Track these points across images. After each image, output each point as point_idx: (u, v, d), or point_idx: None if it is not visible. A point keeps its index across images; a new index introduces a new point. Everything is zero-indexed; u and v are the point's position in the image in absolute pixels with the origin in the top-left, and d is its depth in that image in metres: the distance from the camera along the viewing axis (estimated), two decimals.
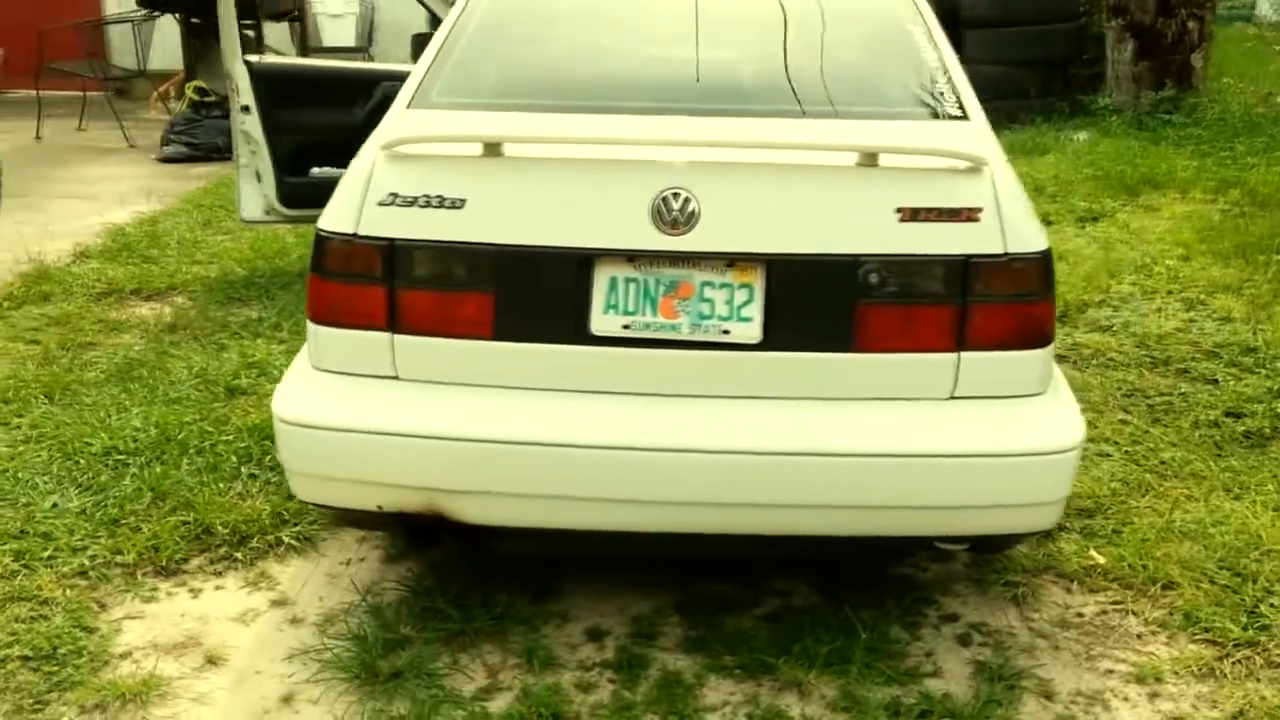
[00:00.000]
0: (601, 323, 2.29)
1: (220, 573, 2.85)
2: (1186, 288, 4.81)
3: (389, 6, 10.98)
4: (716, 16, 2.88)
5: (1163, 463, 3.34)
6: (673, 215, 2.24)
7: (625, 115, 2.50)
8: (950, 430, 2.28)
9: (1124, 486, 3.20)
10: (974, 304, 2.25)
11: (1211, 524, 2.97)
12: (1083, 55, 9.38)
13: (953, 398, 2.30)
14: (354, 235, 2.32)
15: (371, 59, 10.57)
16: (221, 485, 3.19)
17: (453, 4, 3.03)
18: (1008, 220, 2.25)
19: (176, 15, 9.05)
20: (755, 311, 2.27)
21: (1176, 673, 2.44)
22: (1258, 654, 2.47)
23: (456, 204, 2.29)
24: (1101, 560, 2.83)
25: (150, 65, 10.06)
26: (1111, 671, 2.45)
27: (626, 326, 2.29)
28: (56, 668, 2.46)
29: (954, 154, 2.30)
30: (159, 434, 3.47)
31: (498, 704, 2.35)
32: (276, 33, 10.07)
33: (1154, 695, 2.38)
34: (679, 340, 2.29)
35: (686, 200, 2.23)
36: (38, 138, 9.24)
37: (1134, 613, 2.65)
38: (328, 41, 10.91)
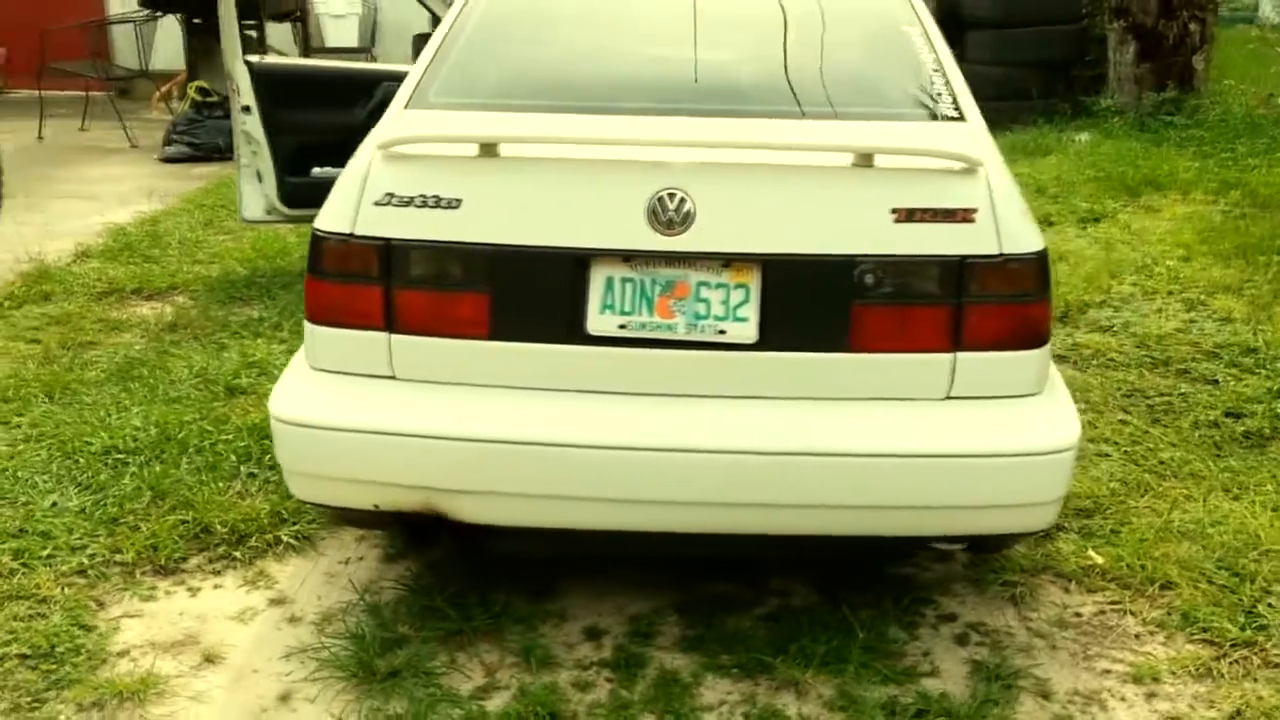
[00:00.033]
0: (598, 323, 2.29)
1: (219, 571, 2.85)
2: (1187, 288, 4.81)
3: (391, 7, 10.99)
4: (713, 17, 2.88)
5: (1162, 463, 3.34)
6: (668, 215, 2.24)
7: (621, 116, 2.50)
8: (946, 430, 2.28)
9: (1123, 486, 3.20)
10: (969, 304, 2.25)
11: (1210, 524, 2.97)
12: (1085, 57, 9.39)
13: (949, 398, 2.31)
14: (350, 235, 2.33)
15: (374, 59, 10.59)
16: (221, 484, 3.20)
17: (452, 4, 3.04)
18: (1003, 221, 2.25)
19: (178, 16, 9.06)
20: (751, 312, 2.27)
21: (1174, 673, 2.44)
22: (1255, 654, 2.47)
23: (452, 204, 2.29)
24: (1100, 560, 2.83)
25: (153, 65, 10.07)
26: (1109, 671, 2.46)
27: (623, 326, 2.29)
28: (54, 666, 2.46)
29: (949, 155, 2.30)
30: (159, 433, 3.48)
31: (495, 703, 2.36)
32: (279, 34, 10.09)
33: (1151, 695, 2.38)
34: (675, 340, 2.29)
35: (682, 200, 2.24)
36: (40, 137, 9.26)
37: (1132, 613, 2.65)
38: (330, 42, 10.93)
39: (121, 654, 2.53)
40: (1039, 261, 2.29)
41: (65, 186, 7.50)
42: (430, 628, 2.58)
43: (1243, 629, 2.53)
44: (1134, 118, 8.42)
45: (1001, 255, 2.25)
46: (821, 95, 2.60)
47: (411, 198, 2.31)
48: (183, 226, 6.22)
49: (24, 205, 6.49)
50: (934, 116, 2.61)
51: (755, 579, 2.76)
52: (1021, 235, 2.28)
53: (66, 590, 2.74)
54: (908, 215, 2.24)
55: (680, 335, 2.29)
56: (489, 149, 2.33)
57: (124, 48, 10.85)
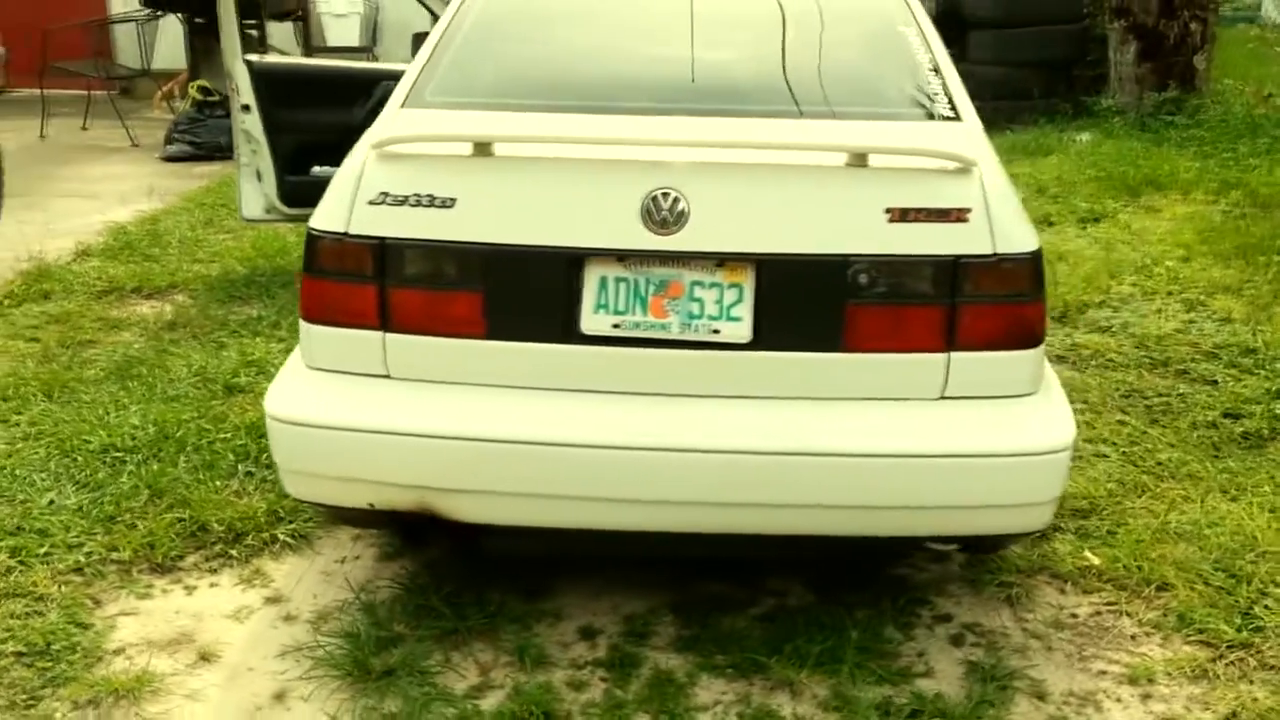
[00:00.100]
0: (592, 322, 2.29)
1: (215, 570, 2.86)
2: (1187, 289, 4.80)
3: (393, 6, 10.98)
4: (709, 17, 2.88)
5: (1160, 464, 3.34)
6: (662, 215, 2.24)
7: (616, 115, 2.50)
8: (940, 430, 2.28)
9: (1120, 487, 3.19)
10: (963, 304, 2.25)
11: (1207, 525, 2.97)
12: (1086, 56, 9.37)
13: (943, 398, 2.30)
14: (345, 234, 2.33)
15: (376, 59, 10.58)
16: (218, 483, 3.20)
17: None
18: (997, 221, 2.24)
19: (180, 15, 9.07)
20: (745, 311, 2.27)
21: (1169, 674, 2.43)
22: (1251, 655, 2.47)
23: (447, 203, 2.29)
24: (1096, 561, 2.83)
25: (155, 65, 10.08)
26: (1104, 672, 2.45)
27: (616, 326, 2.29)
28: (50, 664, 2.47)
29: (943, 154, 2.30)
30: (157, 432, 3.48)
31: (489, 702, 2.36)
32: (281, 33, 10.09)
33: (1146, 696, 2.38)
34: (669, 340, 2.29)
35: (676, 200, 2.24)
36: (42, 136, 9.27)
37: (1128, 614, 2.64)
38: (332, 41, 10.92)
39: (117, 652, 2.53)
40: (1033, 261, 2.29)
41: (66, 185, 7.51)
42: (425, 627, 2.58)
43: (1239, 630, 2.53)
44: (1135, 118, 8.41)
45: (995, 255, 2.25)
46: (816, 95, 2.60)
47: (406, 197, 2.31)
48: (183, 225, 6.23)
49: (25, 204, 6.50)
50: (930, 116, 2.60)
51: (751, 579, 2.76)
52: (1016, 235, 2.28)
53: (63, 588, 2.74)
54: (902, 215, 2.24)
55: (674, 335, 2.29)
56: (483, 148, 2.33)
57: (126, 47, 10.86)
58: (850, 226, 2.27)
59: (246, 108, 4.78)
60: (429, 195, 2.30)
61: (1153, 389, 3.86)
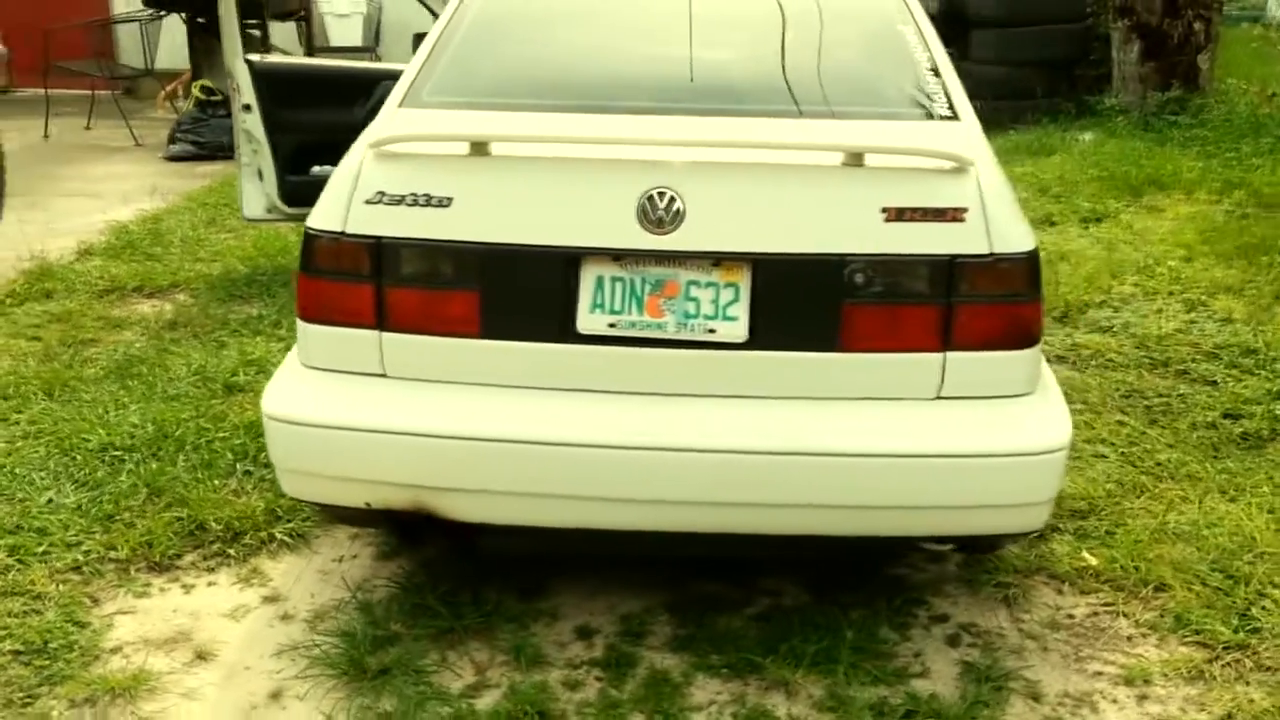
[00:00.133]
0: (588, 321, 2.30)
1: (213, 569, 2.86)
2: (1188, 289, 4.79)
3: (395, 6, 10.98)
4: (707, 17, 2.88)
5: (1159, 464, 3.33)
6: (658, 214, 2.24)
7: (613, 115, 2.50)
8: (937, 430, 2.27)
9: (1119, 488, 3.19)
10: (959, 304, 2.25)
11: (1205, 526, 2.96)
12: (1089, 56, 9.35)
13: (939, 398, 2.30)
14: (341, 233, 2.33)
15: (378, 59, 10.59)
16: (216, 482, 3.21)
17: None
18: (993, 221, 2.24)
19: (182, 15, 9.07)
20: (741, 311, 2.27)
21: (1166, 675, 2.43)
22: (1248, 657, 2.46)
23: (443, 203, 2.29)
24: (1094, 562, 2.82)
25: (158, 65, 10.08)
26: (1100, 673, 2.45)
27: (613, 325, 2.29)
28: (47, 662, 2.48)
29: (939, 154, 2.30)
30: (156, 430, 3.49)
31: (485, 701, 2.36)
32: (283, 33, 10.10)
33: (1142, 697, 2.37)
34: (665, 339, 2.29)
35: (672, 199, 2.24)
36: (46, 136, 9.28)
37: (1125, 614, 2.64)
38: (334, 41, 10.92)
39: (114, 650, 2.54)
40: (1030, 261, 2.28)
41: (69, 185, 7.52)
42: (422, 626, 2.58)
43: (1236, 631, 2.52)
44: (1138, 117, 8.39)
45: (992, 255, 2.25)
46: (814, 94, 2.60)
47: (402, 196, 2.31)
48: (185, 224, 6.23)
49: (28, 203, 6.51)
50: (927, 116, 2.60)
51: (747, 579, 2.76)
52: (1012, 235, 2.27)
53: (61, 586, 2.75)
54: (898, 214, 2.24)
55: (670, 334, 2.29)
56: (480, 148, 2.33)
57: (129, 47, 10.87)
58: (846, 226, 2.27)
59: (247, 107, 4.78)
60: (425, 195, 2.30)
61: (1153, 389, 3.86)
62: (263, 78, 4.79)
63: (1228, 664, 2.44)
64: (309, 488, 2.46)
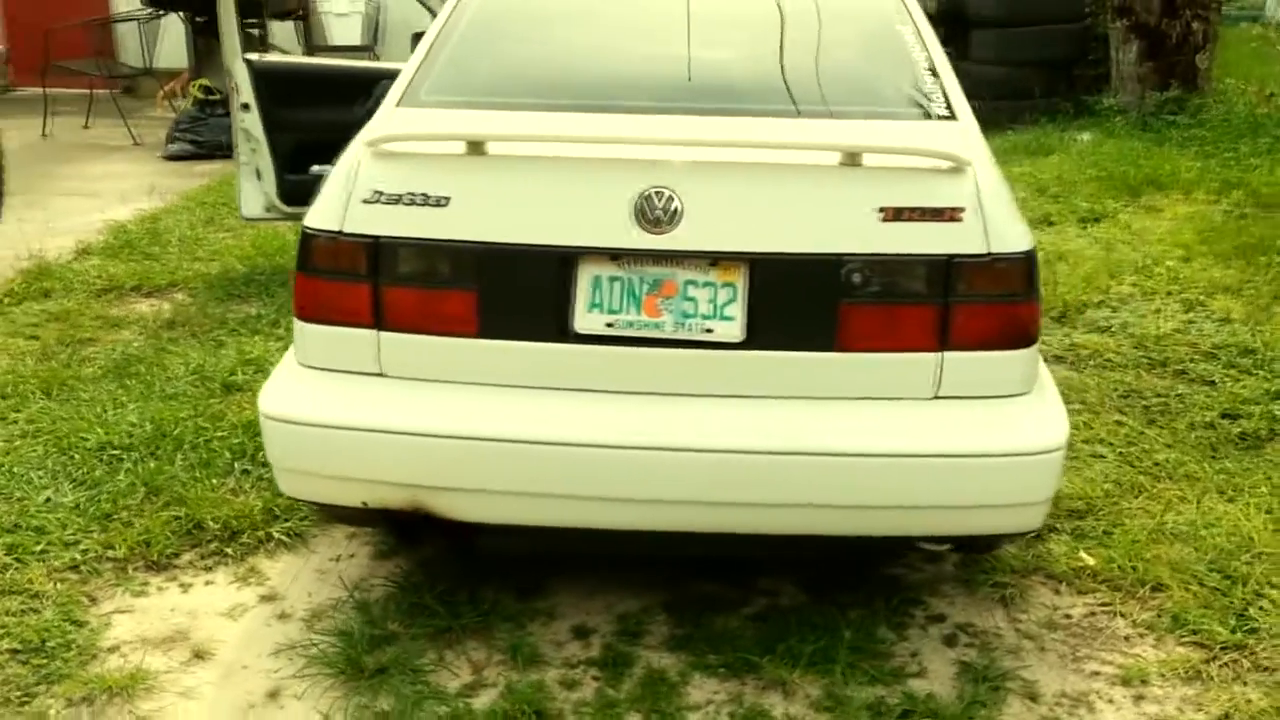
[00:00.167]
0: (585, 321, 2.30)
1: (210, 568, 2.86)
2: (1186, 289, 4.79)
3: (396, 5, 10.98)
4: (704, 16, 2.88)
5: (1157, 464, 3.33)
6: (655, 214, 2.24)
7: (610, 114, 2.50)
8: (933, 430, 2.27)
9: (1116, 488, 3.19)
10: (956, 304, 2.25)
11: (1203, 526, 2.96)
12: (1087, 56, 9.35)
13: (936, 398, 2.30)
14: (339, 233, 2.33)
15: (378, 58, 10.58)
16: (214, 481, 3.21)
17: None
18: (990, 220, 2.24)
19: (181, 14, 9.08)
20: (738, 310, 2.27)
21: (1163, 675, 2.43)
22: (1245, 657, 2.46)
23: (440, 202, 2.29)
24: (1091, 562, 2.82)
25: (157, 64, 10.09)
26: (1097, 673, 2.45)
27: (610, 325, 2.29)
28: (45, 660, 2.48)
29: (936, 154, 2.29)
30: (154, 429, 3.49)
31: (481, 700, 2.36)
32: (283, 32, 10.10)
33: (1139, 698, 2.37)
34: (662, 339, 2.29)
35: (669, 199, 2.24)
36: (45, 135, 9.29)
37: (1122, 614, 2.64)
38: (334, 40, 10.92)
39: (112, 649, 2.54)
40: (1027, 261, 2.28)
41: (68, 184, 7.53)
42: (419, 625, 2.58)
43: (1233, 632, 2.52)
44: (1137, 117, 8.39)
45: (989, 255, 2.25)
46: (811, 94, 2.60)
47: (400, 195, 2.31)
48: (183, 224, 6.24)
49: (26, 202, 6.51)
50: (925, 115, 2.60)
51: (745, 579, 2.76)
52: (1009, 235, 2.27)
53: (59, 585, 2.75)
54: (895, 214, 2.24)
55: (667, 334, 2.29)
56: (477, 147, 2.33)
57: (130, 46, 10.88)
58: (843, 226, 2.27)
59: (246, 106, 4.79)
60: (423, 194, 2.30)
61: (1151, 389, 3.86)
62: (261, 77, 4.79)
63: (1225, 664, 2.44)
64: (306, 487, 2.46)
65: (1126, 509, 3.07)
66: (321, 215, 2.37)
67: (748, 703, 2.34)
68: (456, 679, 2.42)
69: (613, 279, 2.30)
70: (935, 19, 9.58)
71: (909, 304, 2.28)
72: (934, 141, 2.41)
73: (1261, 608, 2.61)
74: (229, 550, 2.90)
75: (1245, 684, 2.39)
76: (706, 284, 2.28)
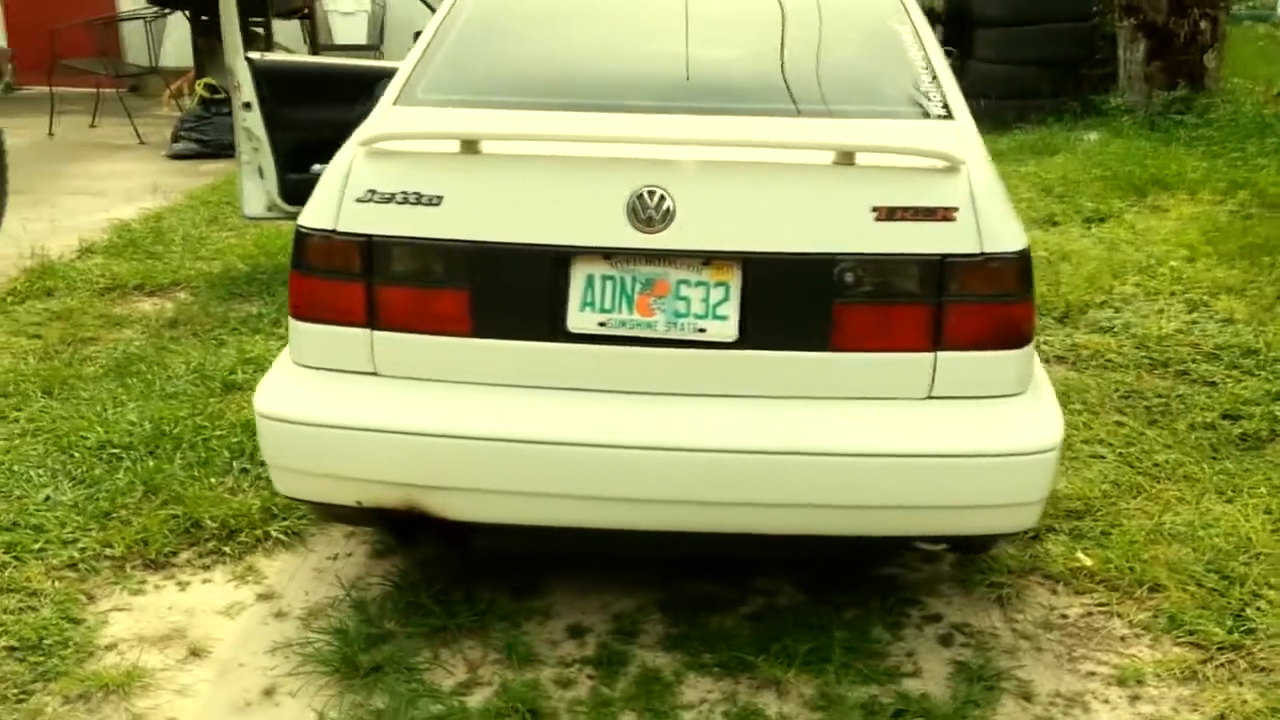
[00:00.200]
0: (578, 320, 2.30)
1: (208, 566, 2.87)
2: (1190, 289, 4.77)
3: (400, 4, 11.00)
4: (701, 16, 2.87)
5: (1156, 465, 3.32)
6: (648, 213, 2.24)
7: (604, 113, 2.50)
8: (927, 430, 2.27)
9: (1115, 488, 3.18)
10: (950, 304, 2.24)
11: (1201, 526, 2.95)
12: (1095, 55, 9.33)
13: (930, 397, 2.30)
14: (332, 231, 2.34)
15: (383, 56, 10.60)
16: (213, 480, 3.22)
17: None
18: (984, 220, 2.24)
19: (186, 13, 9.10)
20: (731, 310, 2.27)
21: (1159, 675, 2.42)
22: (1241, 657, 2.45)
23: (434, 201, 2.29)
24: (1088, 562, 2.82)
25: (163, 63, 10.12)
26: (1093, 673, 2.44)
27: (603, 324, 2.29)
28: (42, 658, 2.48)
29: (930, 153, 2.29)
30: (153, 429, 3.50)
31: (476, 699, 2.36)
32: (289, 31, 10.12)
33: (1135, 698, 2.37)
34: (655, 338, 2.29)
35: (662, 198, 2.24)
36: (51, 134, 9.31)
37: (1119, 615, 2.63)
38: (339, 39, 10.95)
39: (109, 647, 2.54)
40: (1021, 261, 2.28)
41: (73, 183, 7.55)
42: (415, 624, 2.58)
43: (1230, 632, 2.52)
44: (1144, 116, 8.36)
45: (982, 254, 2.24)
46: (806, 93, 2.59)
47: (393, 194, 2.31)
48: (187, 223, 6.25)
49: (31, 201, 6.53)
50: (922, 114, 2.60)
51: (741, 578, 2.76)
52: (1003, 234, 2.27)
53: (57, 583, 2.76)
54: (888, 214, 2.23)
55: (660, 333, 2.29)
56: (470, 146, 2.33)
57: (136, 45, 10.90)
58: (837, 225, 2.26)
59: (248, 105, 4.79)
60: (416, 193, 2.31)
61: (1152, 390, 3.84)
62: (263, 75, 4.80)
63: (1221, 664, 2.44)
64: (301, 486, 2.46)
65: (1125, 509, 3.06)
66: (315, 214, 2.37)
67: (741, 701, 2.34)
68: (451, 677, 2.43)
69: (606, 278, 2.30)
70: (941, 18, 9.61)
71: (902, 304, 2.27)
72: (928, 141, 2.40)
73: (1259, 608, 2.60)
74: (227, 549, 2.91)
75: (1241, 684, 2.38)
76: (699, 283, 2.28)
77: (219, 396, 3.79)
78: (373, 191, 2.31)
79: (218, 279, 5.23)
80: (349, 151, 2.39)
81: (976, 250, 2.23)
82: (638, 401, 2.30)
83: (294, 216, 5.08)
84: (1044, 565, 2.82)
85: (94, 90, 9.79)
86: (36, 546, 2.89)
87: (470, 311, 2.31)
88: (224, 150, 8.19)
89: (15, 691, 2.39)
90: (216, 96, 8.49)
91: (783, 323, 2.27)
